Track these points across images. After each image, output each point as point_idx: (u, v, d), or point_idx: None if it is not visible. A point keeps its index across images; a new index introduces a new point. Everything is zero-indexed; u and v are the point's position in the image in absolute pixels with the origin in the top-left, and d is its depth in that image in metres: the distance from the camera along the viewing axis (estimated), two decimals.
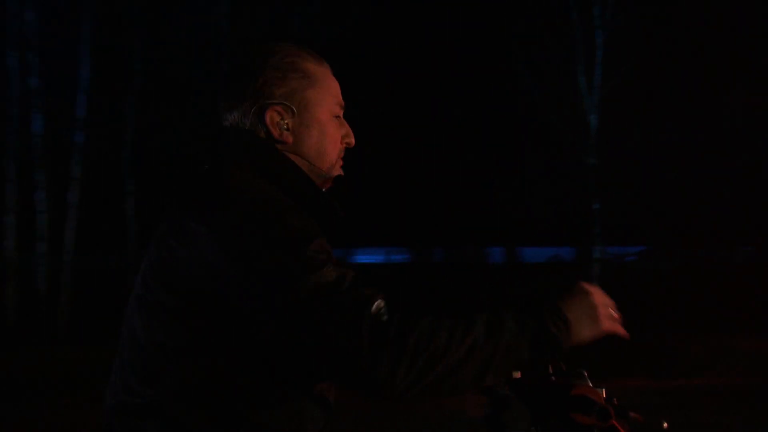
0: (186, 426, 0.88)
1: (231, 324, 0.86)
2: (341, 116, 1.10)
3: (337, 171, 1.09)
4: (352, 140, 1.10)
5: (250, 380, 0.88)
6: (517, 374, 0.89)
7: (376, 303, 0.81)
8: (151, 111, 12.18)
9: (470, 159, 17.53)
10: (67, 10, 11.91)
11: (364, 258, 19.81)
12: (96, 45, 12.04)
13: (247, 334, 0.86)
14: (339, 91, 1.09)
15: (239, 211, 0.88)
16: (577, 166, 12.64)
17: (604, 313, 0.87)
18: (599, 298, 0.88)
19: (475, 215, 17.54)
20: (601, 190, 12.23)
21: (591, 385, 0.89)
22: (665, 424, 0.91)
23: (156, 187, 12.27)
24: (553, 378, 0.92)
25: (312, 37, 11.83)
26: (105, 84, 12.41)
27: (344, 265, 0.88)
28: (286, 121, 1.01)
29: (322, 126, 1.05)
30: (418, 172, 17.96)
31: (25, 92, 11.38)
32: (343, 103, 1.10)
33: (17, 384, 6.72)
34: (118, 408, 0.92)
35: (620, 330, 0.89)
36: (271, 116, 1.00)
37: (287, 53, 1.04)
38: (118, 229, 12.17)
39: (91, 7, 11.77)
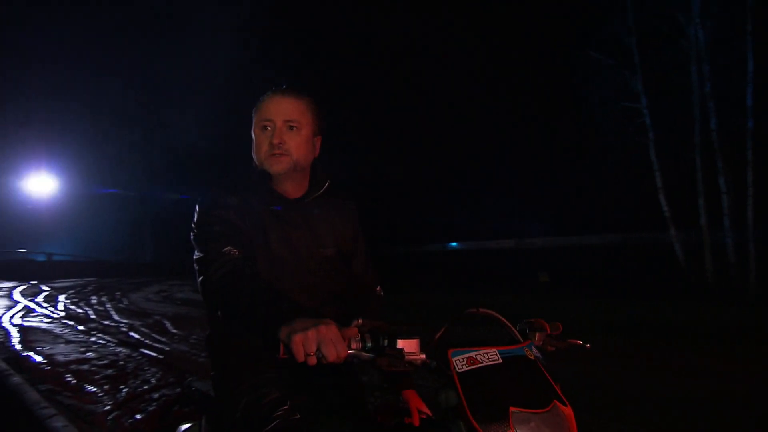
0: (208, 339, 1.46)
1: None
2: (269, 127, 1.41)
3: (271, 166, 1.40)
4: (275, 140, 1.39)
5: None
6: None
7: (228, 248, 1.24)
8: None
9: None
10: (730, 28, 12.96)
11: None
12: (757, 41, 12.55)
13: None
14: (268, 110, 1.41)
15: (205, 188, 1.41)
16: None
17: (304, 338, 0.91)
18: (316, 332, 0.91)
19: None
20: None
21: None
22: (588, 345, 1.04)
23: None
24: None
25: None
26: None
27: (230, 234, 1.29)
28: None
29: (255, 138, 1.44)
30: None
31: (702, 97, 13.33)
32: (269, 117, 1.40)
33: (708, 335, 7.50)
34: None
35: (298, 354, 0.91)
36: None
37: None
38: None
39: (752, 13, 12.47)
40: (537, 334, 1.11)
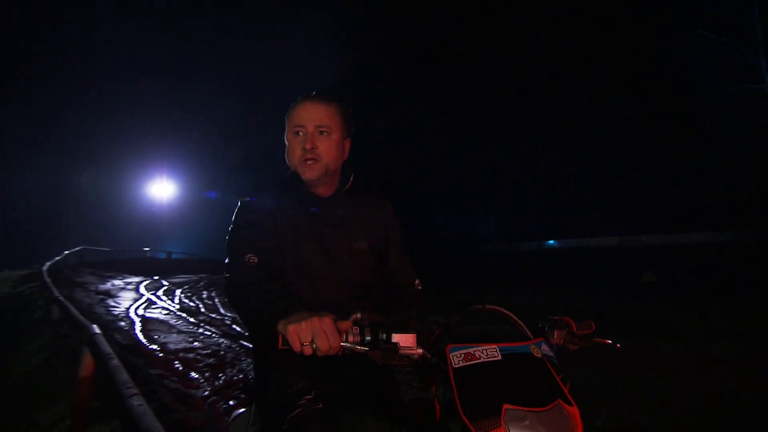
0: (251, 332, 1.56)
1: None
2: (301, 133, 1.48)
3: (304, 173, 1.47)
4: (307, 145, 1.46)
5: None
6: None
7: (248, 255, 1.33)
8: None
9: None
10: None
11: None
12: None
13: None
14: (300, 116, 1.48)
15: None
16: None
17: (298, 329, 0.98)
18: (310, 324, 0.99)
19: None
20: None
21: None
22: (618, 345, 1.06)
23: None
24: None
25: None
26: None
27: (256, 237, 1.39)
28: None
29: (288, 143, 1.52)
30: None
31: None
32: (301, 123, 1.47)
33: None
34: None
35: (294, 345, 0.99)
36: None
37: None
38: None
39: None
40: (556, 332, 1.08)
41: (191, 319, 9.64)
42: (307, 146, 1.45)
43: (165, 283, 17.92)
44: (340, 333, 0.99)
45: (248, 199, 1.49)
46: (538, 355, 0.95)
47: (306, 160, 1.45)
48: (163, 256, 31.60)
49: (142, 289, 15.43)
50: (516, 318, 1.02)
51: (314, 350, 0.97)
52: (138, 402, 1.61)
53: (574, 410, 0.88)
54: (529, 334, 1.00)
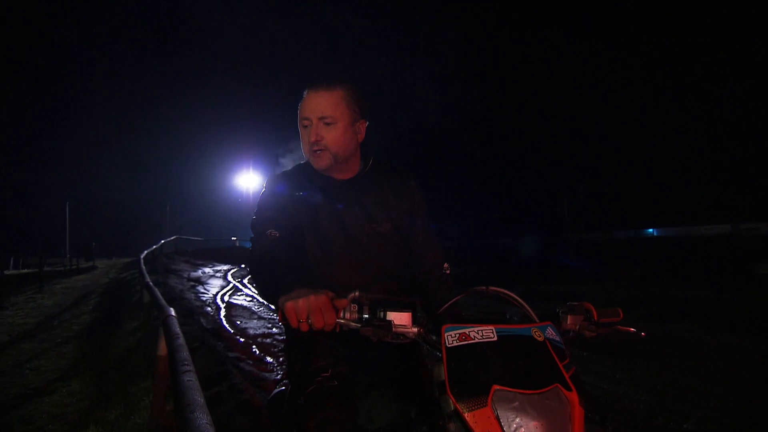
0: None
1: None
2: (307, 126, 1.50)
3: (314, 163, 1.53)
4: (312, 138, 1.48)
5: None
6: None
7: (270, 230, 1.43)
8: None
9: None
10: None
11: None
12: None
13: None
14: (305, 108, 1.50)
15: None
16: None
17: (295, 306, 1.02)
18: (306, 301, 1.02)
19: None
20: None
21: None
22: (642, 334, 1.08)
23: None
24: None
25: None
26: None
27: (275, 217, 1.47)
28: None
29: (300, 134, 1.54)
30: None
31: None
32: (306, 115, 1.50)
33: None
34: None
35: (291, 321, 1.03)
36: None
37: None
38: None
39: None
40: (570, 317, 1.05)
41: (272, 306, 10.10)
42: (312, 139, 1.48)
43: None
44: (337, 310, 1.02)
45: (272, 184, 1.56)
46: (540, 339, 0.93)
47: (314, 150, 1.49)
48: (249, 245, 33.26)
49: (229, 277, 16.43)
50: (521, 301, 1.00)
51: (310, 326, 1.01)
52: (188, 378, 1.75)
53: (572, 395, 0.85)
54: (534, 317, 0.98)
